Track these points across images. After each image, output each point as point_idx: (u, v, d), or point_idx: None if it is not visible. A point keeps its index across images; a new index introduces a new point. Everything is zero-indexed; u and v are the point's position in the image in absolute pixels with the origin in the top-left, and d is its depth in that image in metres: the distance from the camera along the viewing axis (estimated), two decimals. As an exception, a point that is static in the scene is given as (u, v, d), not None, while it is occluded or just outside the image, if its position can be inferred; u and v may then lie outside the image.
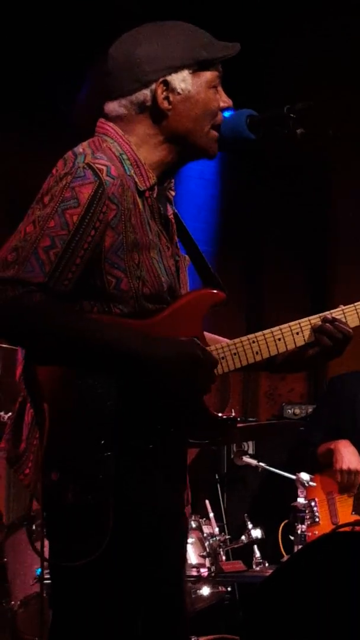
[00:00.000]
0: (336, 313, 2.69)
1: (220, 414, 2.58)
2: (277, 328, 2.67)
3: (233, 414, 2.62)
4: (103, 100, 2.60)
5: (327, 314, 2.69)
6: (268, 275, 7.33)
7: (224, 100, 2.59)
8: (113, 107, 2.55)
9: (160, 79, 2.50)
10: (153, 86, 2.51)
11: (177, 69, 2.51)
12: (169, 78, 2.51)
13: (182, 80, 2.51)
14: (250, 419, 6.48)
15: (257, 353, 2.63)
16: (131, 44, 2.53)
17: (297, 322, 2.69)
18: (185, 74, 2.51)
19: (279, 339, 2.65)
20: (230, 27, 5.62)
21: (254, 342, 2.64)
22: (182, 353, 2.43)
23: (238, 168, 6.81)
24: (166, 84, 2.51)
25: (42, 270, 2.32)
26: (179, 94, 2.51)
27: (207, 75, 2.55)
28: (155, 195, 2.55)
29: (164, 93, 2.51)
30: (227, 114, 2.66)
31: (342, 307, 2.71)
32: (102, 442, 2.35)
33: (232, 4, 5.85)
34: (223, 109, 2.60)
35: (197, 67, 2.53)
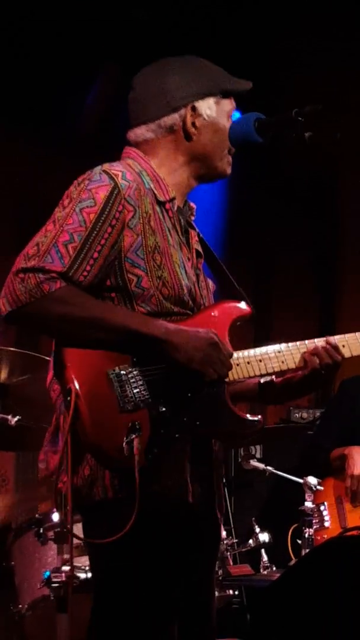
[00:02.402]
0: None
1: (248, 415, 2.63)
2: (302, 342, 2.74)
3: (260, 417, 2.66)
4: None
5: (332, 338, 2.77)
6: (277, 281, 7.33)
7: None
8: (140, 132, 2.73)
9: (190, 105, 2.69)
10: (182, 111, 2.70)
11: (204, 95, 2.71)
12: (196, 104, 2.70)
13: (208, 107, 2.71)
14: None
15: (282, 362, 2.71)
16: (159, 74, 2.72)
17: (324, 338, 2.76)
18: (211, 101, 2.72)
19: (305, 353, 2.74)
20: (240, 29, 5.65)
21: (279, 351, 2.72)
22: (200, 337, 2.54)
23: (246, 173, 6.81)
24: (194, 109, 2.69)
25: (62, 261, 2.47)
26: (204, 119, 2.71)
27: (227, 105, 2.74)
28: (175, 209, 2.68)
29: (192, 118, 2.68)
30: (236, 115, 2.71)
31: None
32: (128, 429, 2.44)
33: (241, 7, 5.86)
34: None
35: (221, 96, 2.72)
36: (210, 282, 2.84)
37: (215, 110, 2.71)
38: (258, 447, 5.75)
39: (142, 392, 2.49)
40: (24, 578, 4.29)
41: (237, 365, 2.66)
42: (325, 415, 5.31)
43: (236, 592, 4.56)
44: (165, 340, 2.50)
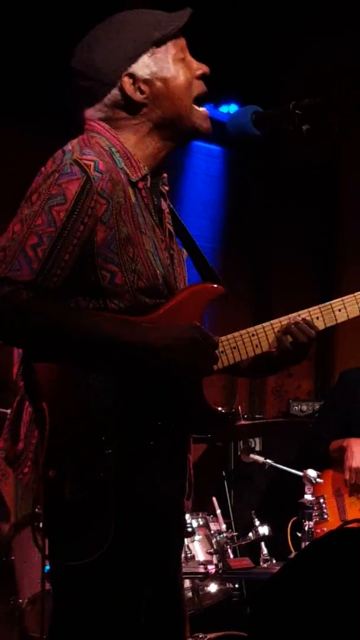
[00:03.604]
0: (314, 312, 2.70)
1: (219, 408, 2.58)
2: (276, 320, 2.67)
3: (233, 410, 2.61)
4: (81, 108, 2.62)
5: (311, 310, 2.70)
6: (275, 272, 7.32)
7: (196, 68, 2.59)
8: (91, 113, 2.57)
9: (123, 74, 2.52)
10: (119, 83, 2.52)
11: (134, 58, 2.52)
12: (130, 70, 2.52)
13: (145, 67, 2.53)
14: (257, 416, 6.49)
15: (257, 346, 2.64)
16: (87, 52, 2.54)
17: (296, 313, 2.69)
18: (145, 59, 2.53)
19: (278, 332, 2.66)
20: (241, 24, 5.64)
21: (253, 335, 2.64)
22: (181, 337, 2.43)
23: (244, 165, 6.80)
24: (131, 76, 2.52)
25: (30, 268, 2.32)
26: (146, 80, 2.53)
27: (168, 49, 2.55)
28: (148, 186, 2.55)
29: (132, 85, 2.52)
30: (233, 108, 2.66)
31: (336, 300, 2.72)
32: (103, 438, 2.35)
33: (242, 3, 5.85)
34: (198, 77, 2.60)
35: (153, 47, 2.53)
36: (183, 251, 2.70)
37: (154, 65, 2.52)
38: (257, 440, 5.75)
39: (115, 401, 2.37)
40: (24, 573, 4.29)
41: (222, 352, 2.59)
42: (324, 406, 5.31)
43: (236, 585, 4.57)
44: (142, 347, 2.38)
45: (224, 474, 5.68)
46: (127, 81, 2.52)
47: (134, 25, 2.55)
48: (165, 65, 2.54)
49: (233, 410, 2.66)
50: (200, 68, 2.60)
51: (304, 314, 2.68)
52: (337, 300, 2.72)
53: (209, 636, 4.13)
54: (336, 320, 2.70)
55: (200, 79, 2.60)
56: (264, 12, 5.96)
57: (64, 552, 2.40)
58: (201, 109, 2.59)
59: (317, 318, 2.68)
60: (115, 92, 2.53)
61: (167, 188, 2.67)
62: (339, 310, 2.70)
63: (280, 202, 7.00)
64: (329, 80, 6.10)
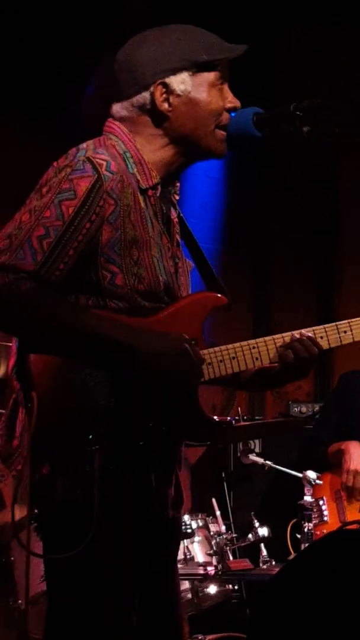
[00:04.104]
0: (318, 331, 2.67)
1: (215, 417, 2.58)
2: (278, 335, 2.65)
3: (229, 418, 2.61)
4: (109, 100, 2.62)
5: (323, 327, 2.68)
6: (275, 273, 7.33)
7: (230, 101, 2.61)
8: (116, 109, 2.59)
9: (158, 82, 2.54)
10: (151, 88, 2.54)
11: (175, 71, 2.54)
12: (167, 80, 2.54)
13: (181, 82, 2.54)
14: (257, 417, 6.49)
15: (256, 359, 2.63)
16: (133, 48, 2.57)
17: (299, 331, 2.67)
18: (184, 75, 2.55)
19: (280, 346, 2.64)
20: (241, 25, 5.64)
21: (254, 347, 2.63)
22: (170, 346, 2.43)
23: (244, 166, 6.80)
24: (165, 86, 2.54)
25: (34, 258, 2.34)
26: (178, 95, 2.54)
27: (209, 76, 2.57)
28: (158, 194, 2.56)
29: (164, 95, 2.54)
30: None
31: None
32: (91, 436, 2.35)
33: (243, 3, 5.85)
34: (229, 110, 2.61)
35: (197, 69, 2.55)
36: (189, 262, 2.71)
37: (191, 85, 2.54)
38: (257, 441, 5.75)
39: (107, 398, 2.38)
40: (24, 573, 4.29)
41: (209, 364, 2.56)
42: (324, 409, 5.31)
43: (235, 587, 4.57)
44: (133, 349, 2.37)
45: (223, 475, 5.67)
46: (159, 89, 2.54)
47: (187, 40, 2.56)
48: (201, 88, 2.56)
49: (228, 418, 2.64)
50: (233, 102, 2.62)
51: (308, 332, 2.67)
52: (344, 321, 2.70)
53: (208, 637, 4.14)
54: (341, 341, 2.68)
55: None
56: (265, 13, 5.97)
57: (55, 548, 2.43)
58: (220, 132, 2.60)
59: (322, 337, 2.67)
60: (145, 95, 2.55)
61: (177, 197, 2.69)
62: (345, 332, 2.68)
63: (280, 203, 7.01)
64: (330, 82, 6.10)
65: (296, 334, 2.64)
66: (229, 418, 2.64)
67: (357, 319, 2.71)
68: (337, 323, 2.69)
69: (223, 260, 6.69)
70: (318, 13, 6.04)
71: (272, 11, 5.99)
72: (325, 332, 2.67)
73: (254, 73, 5.52)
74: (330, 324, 2.70)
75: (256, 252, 7.29)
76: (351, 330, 2.69)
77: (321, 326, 2.68)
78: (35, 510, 2.63)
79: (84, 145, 2.49)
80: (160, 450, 2.48)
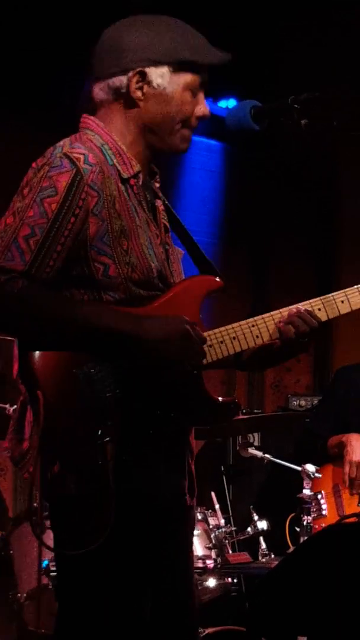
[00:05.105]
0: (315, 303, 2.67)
1: (220, 398, 2.58)
2: (276, 311, 2.66)
3: (235, 399, 2.60)
4: (90, 78, 2.62)
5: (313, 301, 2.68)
6: (274, 266, 7.32)
7: (200, 109, 2.61)
8: (96, 90, 2.60)
9: (138, 69, 2.53)
10: (130, 74, 2.54)
11: (156, 63, 2.54)
12: (147, 70, 2.54)
13: (159, 76, 2.54)
14: (256, 411, 6.49)
15: (257, 337, 2.63)
16: (122, 30, 2.57)
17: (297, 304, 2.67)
18: (164, 70, 2.54)
19: (279, 322, 2.64)
20: (240, 18, 5.63)
21: (253, 325, 2.63)
22: (171, 329, 2.43)
23: (243, 159, 6.79)
24: (143, 74, 2.54)
25: (22, 258, 2.34)
26: (154, 87, 2.54)
27: (187, 77, 2.56)
28: (140, 183, 2.56)
29: (139, 83, 2.54)
30: (232, 103, 2.65)
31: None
32: (100, 430, 2.36)
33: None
34: (198, 117, 2.61)
35: (178, 66, 2.55)
36: (179, 250, 2.71)
37: (168, 80, 2.54)
38: (256, 434, 5.75)
39: (113, 390, 2.39)
40: (23, 567, 4.30)
41: (210, 346, 2.57)
42: (321, 402, 5.32)
43: (234, 580, 4.57)
44: (135, 336, 2.39)
45: (222, 468, 5.68)
46: (136, 76, 2.54)
47: (175, 35, 2.56)
48: (177, 87, 2.55)
49: (235, 399, 2.63)
50: (204, 112, 2.61)
51: (305, 305, 2.66)
52: (339, 292, 2.70)
53: (207, 631, 4.14)
54: (339, 311, 2.68)
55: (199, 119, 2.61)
56: (263, 6, 5.95)
57: (67, 543, 2.43)
58: (186, 130, 2.60)
59: (319, 309, 2.66)
60: (122, 78, 2.54)
61: (158, 185, 2.68)
62: (342, 301, 2.68)
63: (279, 197, 7.00)
64: (328, 75, 6.09)
65: (293, 308, 2.64)
66: (234, 398, 2.62)
67: (352, 288, 2.70)
68: (333, 294, 2.69)
69: (222, 255, 6.69)
70: (317, 5, 6.02)
71: (270, 3, 5.97)
72: (322, 303, 2.67)
73: (253, 66, 5.52)
74: (325, 296, 2.69)
75: (255, 246, 7.29)
76: (348, 300, 2.69)
77: (317, 298, 2.68)
78: (36, 505, 2.64)
79: (61, 142, 2.50)
80: (171, 439, 2.49)
